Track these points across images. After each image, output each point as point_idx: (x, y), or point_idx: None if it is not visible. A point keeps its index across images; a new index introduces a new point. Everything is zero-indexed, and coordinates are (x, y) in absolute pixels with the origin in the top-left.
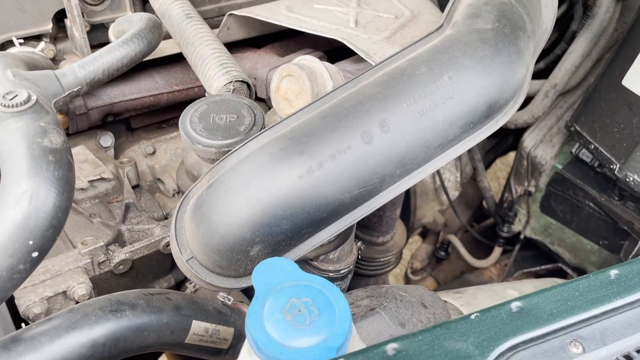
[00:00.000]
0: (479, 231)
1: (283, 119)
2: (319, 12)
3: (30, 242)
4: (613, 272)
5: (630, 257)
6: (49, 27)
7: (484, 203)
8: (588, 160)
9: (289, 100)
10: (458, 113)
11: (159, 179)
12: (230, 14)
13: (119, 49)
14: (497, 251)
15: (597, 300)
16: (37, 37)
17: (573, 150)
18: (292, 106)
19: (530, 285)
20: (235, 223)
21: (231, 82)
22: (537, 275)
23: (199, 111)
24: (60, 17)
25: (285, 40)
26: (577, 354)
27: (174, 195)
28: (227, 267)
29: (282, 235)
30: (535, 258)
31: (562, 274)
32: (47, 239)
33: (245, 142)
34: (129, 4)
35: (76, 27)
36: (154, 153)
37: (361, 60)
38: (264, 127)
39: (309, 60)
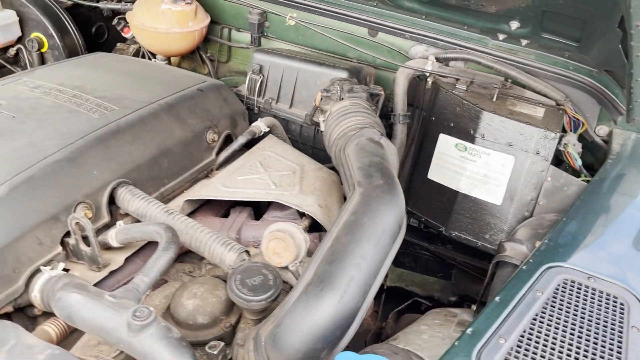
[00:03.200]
0: None
1: (304, 272)
2: (245, 182)
3: None
4: (469, 330)
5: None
6: (59, 250)
7: None
8: (416, 225)
9: (278, 254)
10: (389, 235)
11: None
12: (187, 200)
13: (165, 255)
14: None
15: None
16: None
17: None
18: (280, 257)
19: (428, 318)
20: (309, 341)
21: (240, 253)
22: (401, 311)
23: (237, 280)
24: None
25: (210, 202)
26: None
27: None
28: None
29: (336, 339)
30: (398, 298)
31: (418, 304)
32: None
33: (289, 293)
34: (106, 212)
35: (84, 245)
36: None
37: (284, 207)
38: (279, 277)
39: (285, 225)
